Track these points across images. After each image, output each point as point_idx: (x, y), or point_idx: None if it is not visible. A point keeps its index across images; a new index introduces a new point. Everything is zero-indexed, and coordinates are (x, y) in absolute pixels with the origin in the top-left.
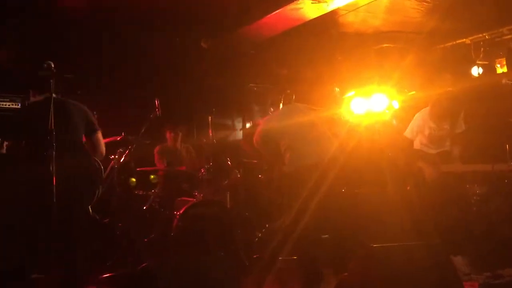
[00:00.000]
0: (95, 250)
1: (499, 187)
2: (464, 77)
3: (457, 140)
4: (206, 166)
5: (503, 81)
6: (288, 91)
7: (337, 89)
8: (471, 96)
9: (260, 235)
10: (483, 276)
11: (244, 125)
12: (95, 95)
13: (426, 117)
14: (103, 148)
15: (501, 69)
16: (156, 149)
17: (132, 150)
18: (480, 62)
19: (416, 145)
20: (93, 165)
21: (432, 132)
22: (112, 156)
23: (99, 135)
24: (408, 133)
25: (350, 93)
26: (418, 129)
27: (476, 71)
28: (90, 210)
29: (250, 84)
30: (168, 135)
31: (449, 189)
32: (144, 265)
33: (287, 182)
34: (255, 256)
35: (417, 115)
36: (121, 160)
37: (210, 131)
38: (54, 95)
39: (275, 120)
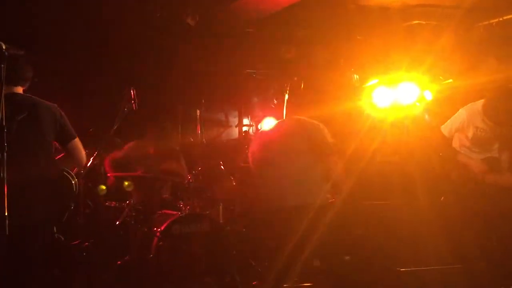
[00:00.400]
0: (56, 278)
1: None
2: None
3: (509, 146)
4: (193, 172)
5: None
6: (296, 79)
7: (356, 76)
8: None
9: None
10: None
11: (240, 121)
12: (56, 83)
13: (474, 114)
14: (82, 158)
15: None
16: (129, 145)
17: (102, 151)
18: None
19: (455, 144)
20: (64, 177)
21: (479, 133)
22: None
23: (76, 143)
24: (445, 129)
25: (372, 82)
26: (461, 127)
27: None
28: (55, 231)
29: (248, 70)
30: (149, 131)
31: (499, 200)
32: None
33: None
34: (254, 283)
35: (461, 110)
36: (89, 164)
37: (199, 128)
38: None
39: (260, 143)
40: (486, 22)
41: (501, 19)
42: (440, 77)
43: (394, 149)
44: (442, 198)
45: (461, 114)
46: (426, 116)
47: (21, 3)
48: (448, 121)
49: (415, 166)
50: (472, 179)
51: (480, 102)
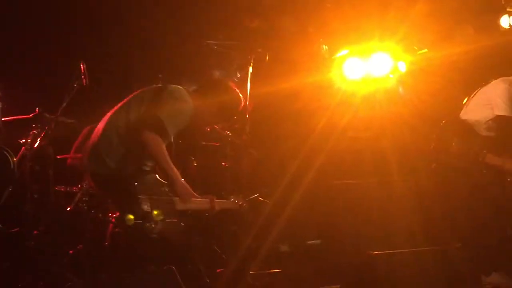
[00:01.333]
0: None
1: None
2: (491, 29)
3: None
4: None
5: None
6: (260, 50)
7: (325, 47)
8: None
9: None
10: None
11: None
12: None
13: None
14: None
15: None
16: (85, 131)
17: (50, 131)
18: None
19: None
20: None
21: None
22: (23, 140)
23: None
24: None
25: (343, 52)
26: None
27: (506, 21)
28: None
29: (209, 41)
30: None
31: (481, 178)
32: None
33: None
34: (218, 271)
35: (502, 84)
36: (35, 145)
37: None
38: None
39: None
40: None
41: None
42: (415, 47)
43: (366, 125)
44: (434, 165)
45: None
46: (400, 89)
47: None
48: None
49: (388, 142)
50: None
51: None
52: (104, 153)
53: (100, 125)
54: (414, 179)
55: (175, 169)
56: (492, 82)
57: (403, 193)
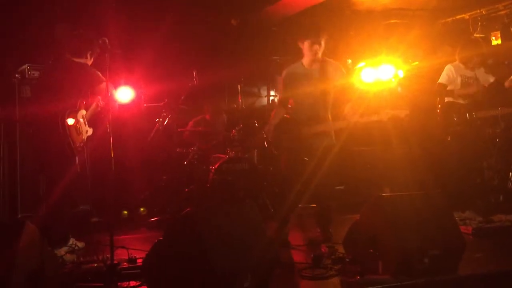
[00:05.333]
0: (145, 199)
1: None
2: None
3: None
4: (236, 128)
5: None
6: None
7: (349, 61)
8: None
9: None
10: (476, 221)
11: (268, 93)
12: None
13: (457, 66)
14: None
15: (496, 41)
16: (192, 121)
17: (174, 114)
18: (477, 35)
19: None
20: None
21: (464, 80)
22: (157, 119)
23: None
24: (442, 80)
25: (361, 64)
26: (452, 77)
27: None
28: None
29: (273, 57)
30: (206, 109)
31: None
32: (186, 210)
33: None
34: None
35: (448, 65)
36: (165, 123)
37: (240, 97)
38: None
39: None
40: (444, 20)
41: (454, 18)
42: (410, 60)
43: (375, 112)
44: (449, 137)
45: (449, 67)
46: (399, 89)
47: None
48: (442, 75)
49: (390, 123)
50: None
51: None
52: None
53: None
54: (407, 146)
55: None
56: None
57: (399, 156)
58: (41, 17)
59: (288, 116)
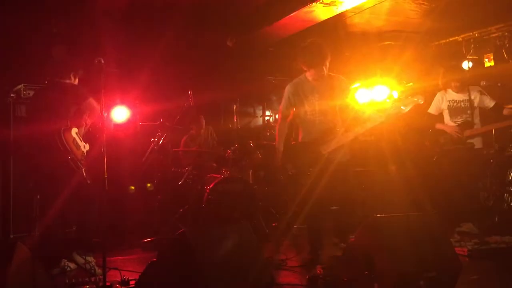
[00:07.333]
0: (139, 220)
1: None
2: (457, 70)
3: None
4: (231, 148)
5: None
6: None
7: None
8: None
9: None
10: (472, 242)
11: (264, 113)
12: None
13: (443, 92)
14: None
15: (488, 63)
16: (184, 138)
17: (168, 134)
18: (470, 57)
19: (447, 121)
20: None
21: (451, 104)
22: (152, 139)
23: None
24: (431, 110)
25: (356, 85)
26: (440, 105)
27: (466, 65)
28: None
29: (269, 77)
30: (193, 126)
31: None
32: (180, 231)
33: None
34: (273, 225)
35: (437, 94)
36: (160, 142)
37: (235, 117)
38: None
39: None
40: (437, 42)
41: (447, 40)
42: (404, 81)
43: (371, 132)
44: (435, 158)
45: (437, 95)
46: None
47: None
48: (431, 105)
49: (385, 144)
50: (455, 140)
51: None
52: None
53: None
54: (403, 167)
55: None
56: None
57: (395, 177)
58: (37, 36)
59: (294, 143)
